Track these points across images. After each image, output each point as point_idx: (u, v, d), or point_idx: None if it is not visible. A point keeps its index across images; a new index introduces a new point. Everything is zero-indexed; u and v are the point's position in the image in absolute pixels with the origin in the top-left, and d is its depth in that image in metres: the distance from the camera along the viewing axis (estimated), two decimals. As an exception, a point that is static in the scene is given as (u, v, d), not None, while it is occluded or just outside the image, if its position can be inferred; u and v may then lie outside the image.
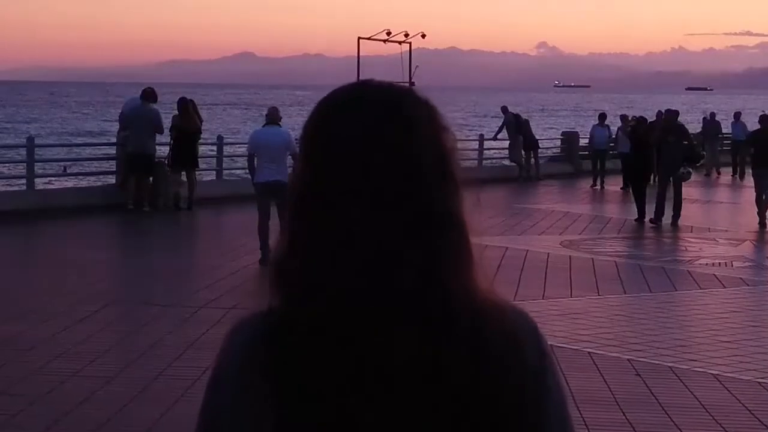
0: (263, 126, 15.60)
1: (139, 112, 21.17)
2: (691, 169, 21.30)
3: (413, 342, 1.66)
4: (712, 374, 9.59)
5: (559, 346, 10.41)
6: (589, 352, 10.23)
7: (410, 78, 28.67)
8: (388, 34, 28.34)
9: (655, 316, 12.27)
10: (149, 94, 21.54)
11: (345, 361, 1.66)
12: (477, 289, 1.73)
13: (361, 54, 27.95)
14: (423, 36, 28.81)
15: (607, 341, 10.76)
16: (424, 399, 1.67)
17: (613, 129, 31.32)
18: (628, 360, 9.99)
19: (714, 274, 15.21)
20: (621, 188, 27.96)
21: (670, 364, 9.88)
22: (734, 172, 35.49)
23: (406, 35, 28.57)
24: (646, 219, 21.24)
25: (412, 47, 28.90)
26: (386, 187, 1.69)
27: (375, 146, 1.71)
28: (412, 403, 1.67)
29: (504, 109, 33.02)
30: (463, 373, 1.68)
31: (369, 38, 28.27)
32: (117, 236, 19.72)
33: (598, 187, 29.50)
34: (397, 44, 28.50)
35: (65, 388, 8.62)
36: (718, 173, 35.03)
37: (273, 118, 15.49)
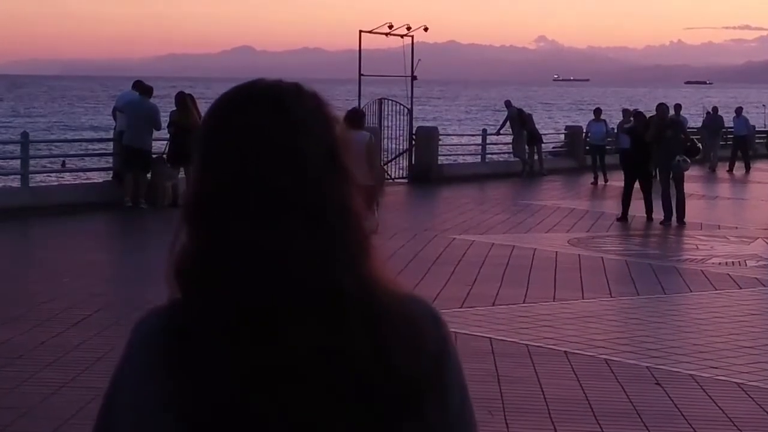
0: None
1: (136, 106, 20.76)
2: (687, 158, 20.62)
3: (311, 333, 1.69)
4: (735, 383, 9.13)
5: (574, 353, 9.97)
6: (605, 359, 9.77)
7: (412, 71, 28.17)
8: (390, 27, 27.88)
9: (671, 320, 11.82)
10: (147, 89, 21.21)
11: (243, 355, 1.68)
12: (374, 279, 1.75)
13: (361, 48, 27.45)
14: (425, 29, 28.31)
15: (623, 347, 10.31)
16: (326, 387, 1.69)
17: (611, 124, 30.83)
18: (647, 368, 9.53)
19: (728, 274, 14.76)
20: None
21: (691, 372, 9.43)
22: (730, 168, 34.92)
23: (408, 28, 28.08)
24: (644, 219, 20.68)
25: (414, 40, 28.38)
26: (275, 182, 1.72)
27: (260, 142, 1.74)
28: (314, 392, 1.69)
29: (507, 104, 32.60)
30: (363, 361, 1.70)
31: (371, 31, 27.76)
32: (113, 235, 19.25)
33: (599, 183, 28.91)
34: (397, 38, 28.01)
35: (57, 398, 8.15)
36: (713, 169, 34.41)
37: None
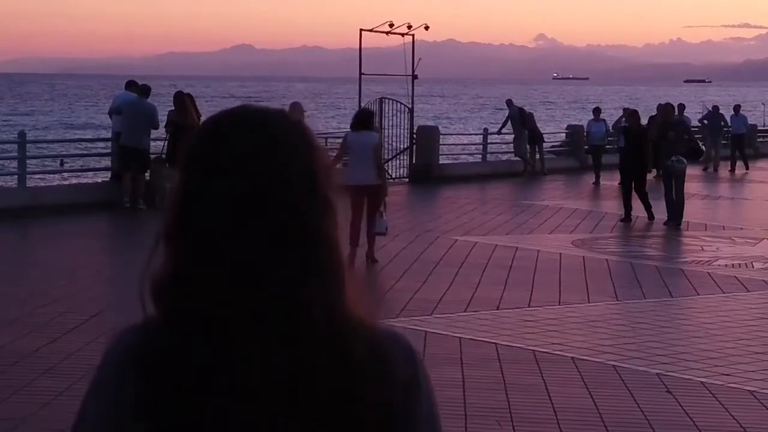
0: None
1: (135, 106, 20.56)
2: (682, 158, 20.22)
3: (276, 355, 1.70)
4: (748, 391, 8.92)
5: (582, 359, 9.76)
6: (614, 366, 9.55)
7: (413, 70, 27.93)
8: (391, 26, 27.64)
9: (679, 324, 11.61)
10: (144, 88, 21.08)
11: (209, 375, 1.70)
12: (344, 307, 1.76)
13: (362, 46, 27.21)
14: (426, 28, 28.06)
15: (632, 353, 10.09)
16: (288, 412, 1.70)
17: (610, 123, 30.57)
18: (657, 375, 9.31)
19: (735, 276, 14.55)
20: (618, 184, 26.98)
21: (701, 379, 9.21)
22: (732, 168, 34.62)
23: (409, 27, 27.83)
24: (644, 218, 20.46)
25: (412, 39, 28.14)
26: (251, 204, 1.74)
27: (241, 166, 1.76)
28: (276, 416, 1.70)
29: (509, 103, 32.35)
30: (328, 387, 1.71)
31: (371, 30, 27.51)
32: (111, 236, 19.03)
33: (599, 183, 28.59)
34: (396, 37, 27.77)
35: (53, 408, 7.91)
36: (715, 169, 34.05)
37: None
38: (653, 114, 31.37)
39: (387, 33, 27.71)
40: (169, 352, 1.73)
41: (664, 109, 21.52)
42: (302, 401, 1.71)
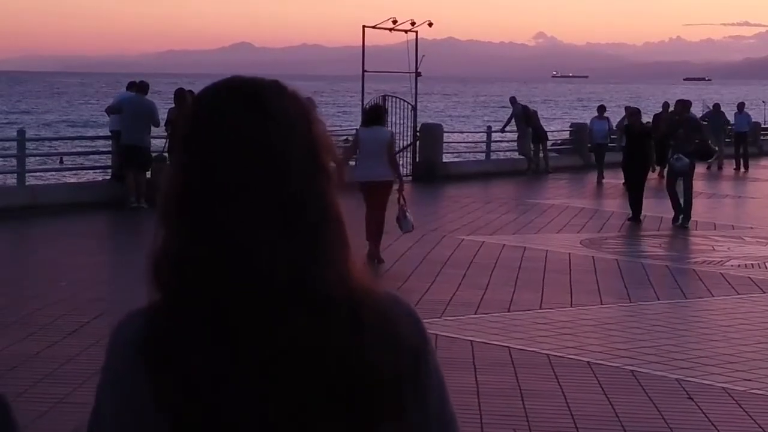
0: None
1: (135, 104, 20.32)
2: (683, 157, 19.85)
3: (290, 331, 1.67)
4: (772, 397, 8.62)
5: (598, 363, 9.46)
6: (631, 371, 9.25)
7: (416, 68, 27.63)
8: (394, 22, 27.35)
9: (696, 327, 11.28)
10: (143, 86, 20.91)
11: (225, 352, 1.66)
12: (352, 279, 1.74)
13: (358, 43, 26.88)
14: (430, 24, 27.78)
15: (649, 357, 9.78)
16: (305, 386, 1.67)
17: (614, 121, 30.25)
18: (677, 380, 9.00)
19: (749, 277, 14.24)
20: (623, 183, 26.62)
21: (723, 385, 8.90)
22: (737, 166, 34.30)
23: (413, 24, 27.53)
24: (642, 218, 20.15)
25: (416, 36, 27.83)
26: (254, 179, 1.70)
27: (239, 138, 1.71)
28: (293, 391, 1.67)
29: (512, 100, 31.99)
30: (341, 359, 1.69)
31: (374, 27, 27.20)
32: (112, 236, 18.71)
33: (603, 181, 28.25)
34: (397, 34, 27.46)
35: (53, 416, 7.61)
36: (719, 167, 33.72)
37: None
38: (657, 112, 31.14)
39: (390, 30, 27.41)
40: (179, 340, 1.68)
41: (682, 106, 21.20)
42: (317, 372, 1.69)
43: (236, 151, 1.71)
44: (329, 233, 1.73)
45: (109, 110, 21.85)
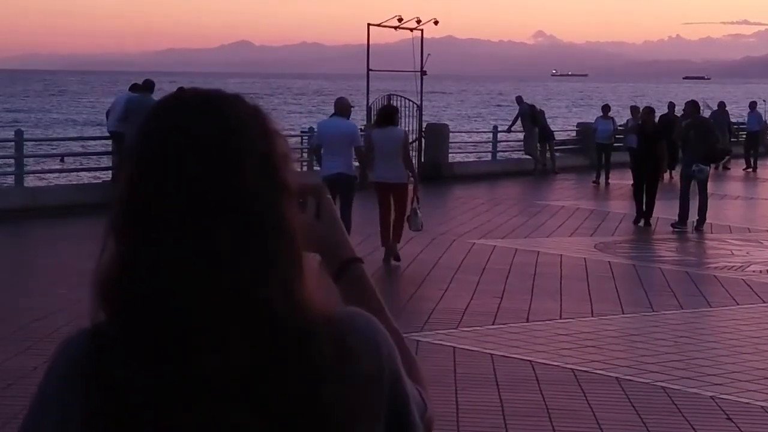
0: (330, 117, 15.20)
1: (139, 104, 19.90)
2: (704, 166, 19.30)
3: (234, 351, 1.60)
4: (815, 417, 8.12)
5: (626, 379, 8.97)
6: (662, 387, 8.75)
7: (422, 66, 27.15)
8: (400, 20, 26.88)
9: (724, 339, 10.77)
10: (148, 85, 20.57)
11: (163, 375, 1.60)
12: (305, 299, 1.66)
13: (360, 43, 26.43)
14: (435, 23, 27.29)
15: (679, 371, 9.28)
16: (246, 408, 1.60)
17: (618, 121, 29.69)
18: (711, 398, 8.51)
19: (773, 284, 13.74)
20: (631, 185, 26.06)
21: (761, 403, 8.41)
22: (748, 165, 33.75)
23: (419, 21, 27.05)
24: (647, 221, 19.62)
25: (421, 34, 27.35)
26: (205, 190, 1.64)
27: (192, 148, 1.65)
28: (234, 414, 1.59)
29: (519, 100, 31.48)
30: (286, 383, 1.61)
31: (379, 25, 26.71)
32: (112, 238, 18.22)
33: (601, 182, 27.70)
34: (399, 32, 26.95)
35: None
36: (726, 167, 33.13)
37: (341, 109, 14.83)
38: (664, 113, 30.60)
39: (395, 28, 26.93)
40: (121, 360, 1.61)
41: (692, 107, 20.57)
42: (264, 399, 1.60)
43: (191, 162, 1.64)
44: (283, 249, 1.66)
45: (113, 116, 21.36)
